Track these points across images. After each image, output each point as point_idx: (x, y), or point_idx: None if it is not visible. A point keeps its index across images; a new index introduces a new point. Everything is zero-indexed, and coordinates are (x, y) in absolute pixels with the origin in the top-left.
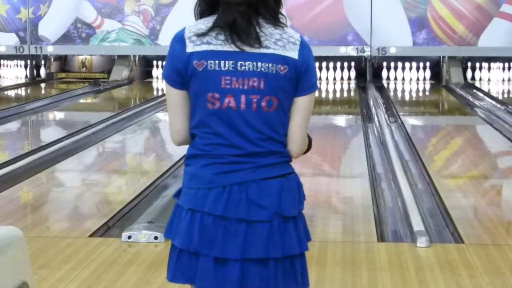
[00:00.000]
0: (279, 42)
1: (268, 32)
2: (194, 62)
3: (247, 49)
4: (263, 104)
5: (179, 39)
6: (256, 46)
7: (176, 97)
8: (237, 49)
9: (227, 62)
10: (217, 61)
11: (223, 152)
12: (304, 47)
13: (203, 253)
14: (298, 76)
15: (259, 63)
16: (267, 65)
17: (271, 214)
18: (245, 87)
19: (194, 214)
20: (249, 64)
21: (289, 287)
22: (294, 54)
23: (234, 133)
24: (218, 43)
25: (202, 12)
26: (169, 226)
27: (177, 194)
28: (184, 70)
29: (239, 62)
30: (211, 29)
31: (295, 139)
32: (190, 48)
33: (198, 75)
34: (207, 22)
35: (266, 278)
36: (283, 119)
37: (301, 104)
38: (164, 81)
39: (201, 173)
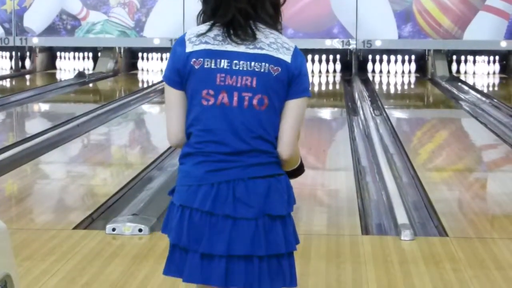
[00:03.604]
0: (273, 45)
1: (263, 34)
2: (192, 61)
3: (242, 48)
4: (255, 102)
5: (180, 42)
6: (251, 42)
7: (175, 98)
8: (233, 48)
9: (222, 60)
10: (213, 60)
11: (212, 149)
12: (297, 54)
13: (191, 248)
14: (290, 80)
15: (253, 63)
16: (260, 64)
17: (257, 212)
18: (238, 85)
19: (184, 210)
20: (243, 63)
21: (276, 284)
22: (287, 57)
23: (225, 130)
24: (216, 43)
25: (204, 21)
26: (165, 223)
27: (172, 191)
28: (183, 69)
29: (234, 61)
30: (211, 27)
31: (284, 140)
32: (189, 48)
33: (195, 73)
34: (208, 23)
35: (250, 274)
36: (274, 120)
37: (293, 107)
38: (164, 83)
39: (193, 171)
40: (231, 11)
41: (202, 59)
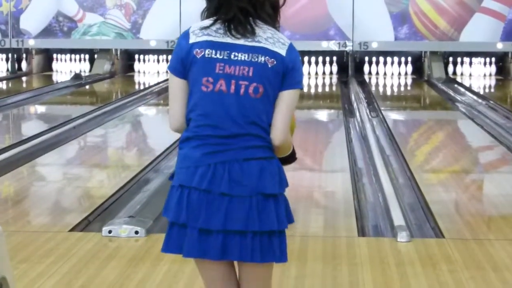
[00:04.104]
0: (270, 39)
1: (262, 30)
2: (194, 51)
3: (241, 41)
4: (250, 90)
5: (185, 35)
6: (250, 38)
7: (177, 86)
8: (233, 41)
9: (222, 51)
10: (213, 50)
11: (209, 132)
12: (292, 49)
13: (189, 224)
14: (285, 72)
15: (250, 54)
16: (257, 56)
17: (250, 191)
18: (236, 74)
19: (183, 190)
20: (241, 55)
21: (266, 259)
22: (282, 51)
23: (222, 114)
24: (217, 36)
25: (208, 17)
26: (165, 205)
27: (172, 176)
28: (186, 59)
29: (233, 53)
30: (214, 22)
31: (277, 126)
32: (192, 39)
33: (196, 62)
34: (212, 18)
35: (244, 249)
36: (268, 108)
37: (286, 97)
38: (168, 72)
39: (191, 153)
40: (233, 9)
41: (203, 49)
